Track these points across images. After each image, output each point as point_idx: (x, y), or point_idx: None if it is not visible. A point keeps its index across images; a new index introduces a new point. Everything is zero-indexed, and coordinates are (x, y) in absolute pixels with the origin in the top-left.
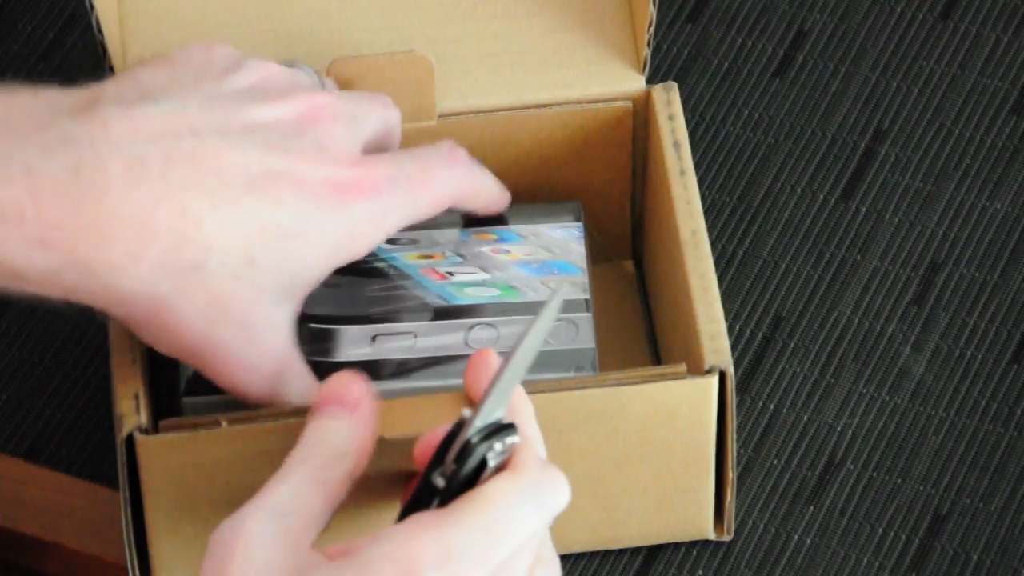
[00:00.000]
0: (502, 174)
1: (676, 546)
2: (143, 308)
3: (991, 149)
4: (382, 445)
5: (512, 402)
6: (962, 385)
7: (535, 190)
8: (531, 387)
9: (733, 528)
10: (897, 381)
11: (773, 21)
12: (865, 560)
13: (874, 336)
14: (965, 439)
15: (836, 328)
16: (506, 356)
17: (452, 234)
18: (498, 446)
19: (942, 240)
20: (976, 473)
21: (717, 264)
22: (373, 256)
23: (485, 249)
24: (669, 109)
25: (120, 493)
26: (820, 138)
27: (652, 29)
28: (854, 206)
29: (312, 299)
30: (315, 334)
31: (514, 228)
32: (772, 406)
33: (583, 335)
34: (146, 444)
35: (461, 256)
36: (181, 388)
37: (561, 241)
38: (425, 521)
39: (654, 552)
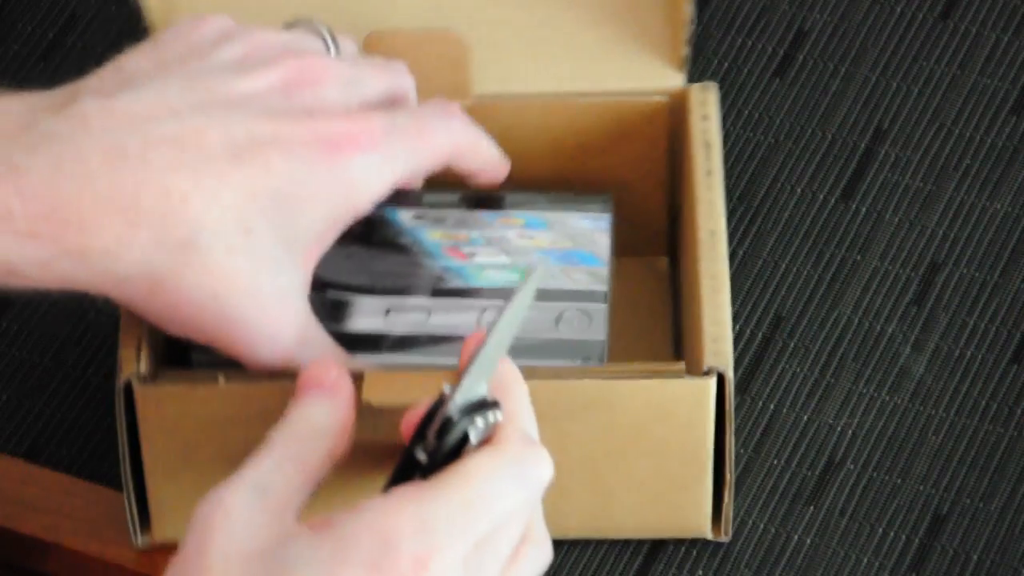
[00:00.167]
0: (536, 160)
1: (676, 545)
2: (142, 290)
3: (991, 149)
4: (375, 417)
5: (503, 381)
6: (962, 385)
7: (570, 178)
8: (529, 373)
9: (731, 529)
10: (897, 381)
11: (773, 21)
12: (865, 560)
13: (874, 336)
14: (965, 439)
15: (836, 328)
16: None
17: (480, 216)
18: (479, 422)
19: (942, 240)
20: (976, 473)
21: None
22: (397, 230)
23: (510, 233)
24: (704, 109)
25: (118, 437)
26: (820, 138)
27: (690, 28)
28: (854, 206)
29: (330, 268)
30: (329, 302)
31: (542, 215)
32: (772, 406)
33: (595, 326)
34: (144, 392)
35: (485, 238)
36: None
37: (586, 232)
38: (404, 493)
39: (654, 551)
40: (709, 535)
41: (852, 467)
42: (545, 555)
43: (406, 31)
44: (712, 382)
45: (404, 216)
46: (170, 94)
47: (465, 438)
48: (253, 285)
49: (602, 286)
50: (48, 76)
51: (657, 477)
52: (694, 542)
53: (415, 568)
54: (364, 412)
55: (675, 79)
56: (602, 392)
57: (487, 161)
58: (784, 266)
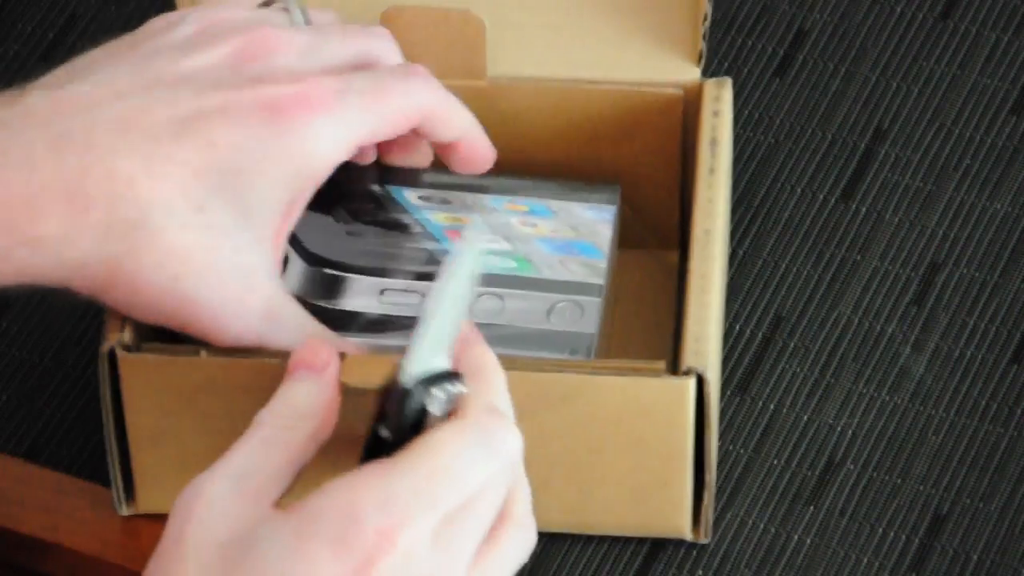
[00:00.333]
0: (549, 144)
1: (676, 546)
2: (100, 275)
3: (991, 149)
4: (359, 401)
5: (476, 362)
6: (962, 385)
7: (582, 166)
8: (508, 363)
9: (711, 531)
10: (897, 381)
11: (773, 21)
12: (865, 560)
13: (874, 336)
14: (965, 439)
15: (836, 328)
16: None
17: (486, 200)
18: (438, 393)
19: (942, 240)
20: (976, 473)
21: None
22: (403, 211)
23: (513, 220)
24: (716, 105)
25: (102, 405)
26: (820, 138)
27: (707, 23)
28: (854, 206)
29: (328, 244)
30: (324, 279)
31: (547, 203)
32: (772, 406)
33: (587, 319)
34: (127, 361)
35: (487, 223)
36: None
37: (589, 222)
38: (368, 469)
39: (654, 551)
40: (689, 536)
41: (852, 467)
42: (530, 539)
43: (424, 8)
44: (691, 383)
45: (410, 196)
46: (118, 78)
47: (424, 412)
48: (211, 263)
49: (598, 279)
50: None
51: (636, 475)
52: (694, 542)
53: (380, 542)
54: (349, 396)
55: (691, 72)
56: (580, 386)
57: (463, 131)
58: (784, 266)
